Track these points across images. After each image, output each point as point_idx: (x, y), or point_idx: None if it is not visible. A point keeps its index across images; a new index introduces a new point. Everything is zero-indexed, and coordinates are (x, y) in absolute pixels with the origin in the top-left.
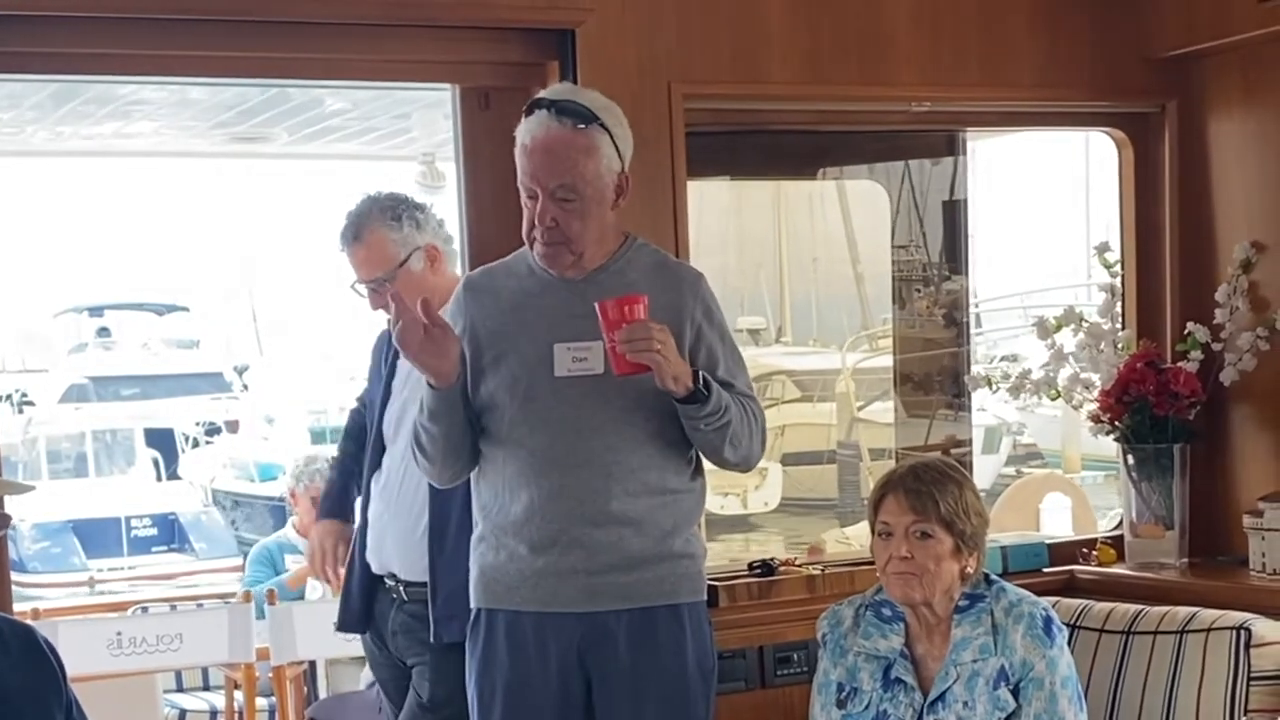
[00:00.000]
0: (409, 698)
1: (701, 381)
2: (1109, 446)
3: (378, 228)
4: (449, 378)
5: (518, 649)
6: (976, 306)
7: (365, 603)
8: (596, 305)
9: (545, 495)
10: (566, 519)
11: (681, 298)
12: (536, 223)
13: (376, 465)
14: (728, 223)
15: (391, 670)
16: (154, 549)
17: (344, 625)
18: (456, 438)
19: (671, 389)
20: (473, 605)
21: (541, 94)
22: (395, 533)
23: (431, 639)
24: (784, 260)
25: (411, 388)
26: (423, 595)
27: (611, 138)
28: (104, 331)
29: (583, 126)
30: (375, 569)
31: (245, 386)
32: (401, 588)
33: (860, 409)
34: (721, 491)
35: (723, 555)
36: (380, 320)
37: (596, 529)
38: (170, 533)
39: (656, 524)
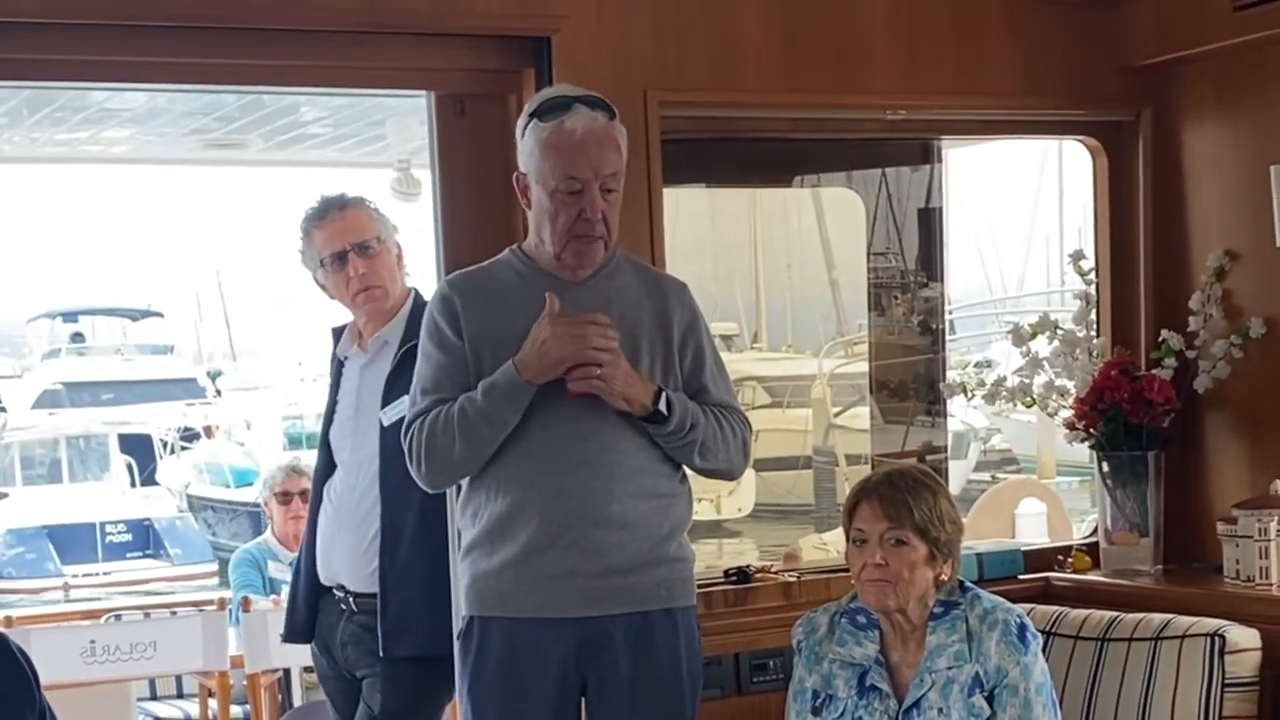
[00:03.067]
0: (360, 710)
1: (665, 400)
2: (1084, 452)
3: (363, 205)
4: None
5: (514, 656)
6: (951, 313)
7: (311, 613)
8: None
9: (544, 496)
10: (566, 520)
11: (669, 304)
12: (587, 216)
13: (326, 474)
14: (704, 230)
15: (339, 683)
16: (129, 555)
17: (290, 636)
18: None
19: (624, 409)
20: (464, 613)
21: (556, 93)
22: (344, 544)
23: (380, 653)
24: (759, 267)
25: (363, 397)
26: (372, 606)
27: None
28: (78, 337)
29: (612, 119)
30: (323, 579)
31: (218, 392)
32: (351, 599)
33: (836, 415)
34: (695, 497)
35: (697, 562)
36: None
37: (596, 530)
38: (145, 538)
39: (653, 527)
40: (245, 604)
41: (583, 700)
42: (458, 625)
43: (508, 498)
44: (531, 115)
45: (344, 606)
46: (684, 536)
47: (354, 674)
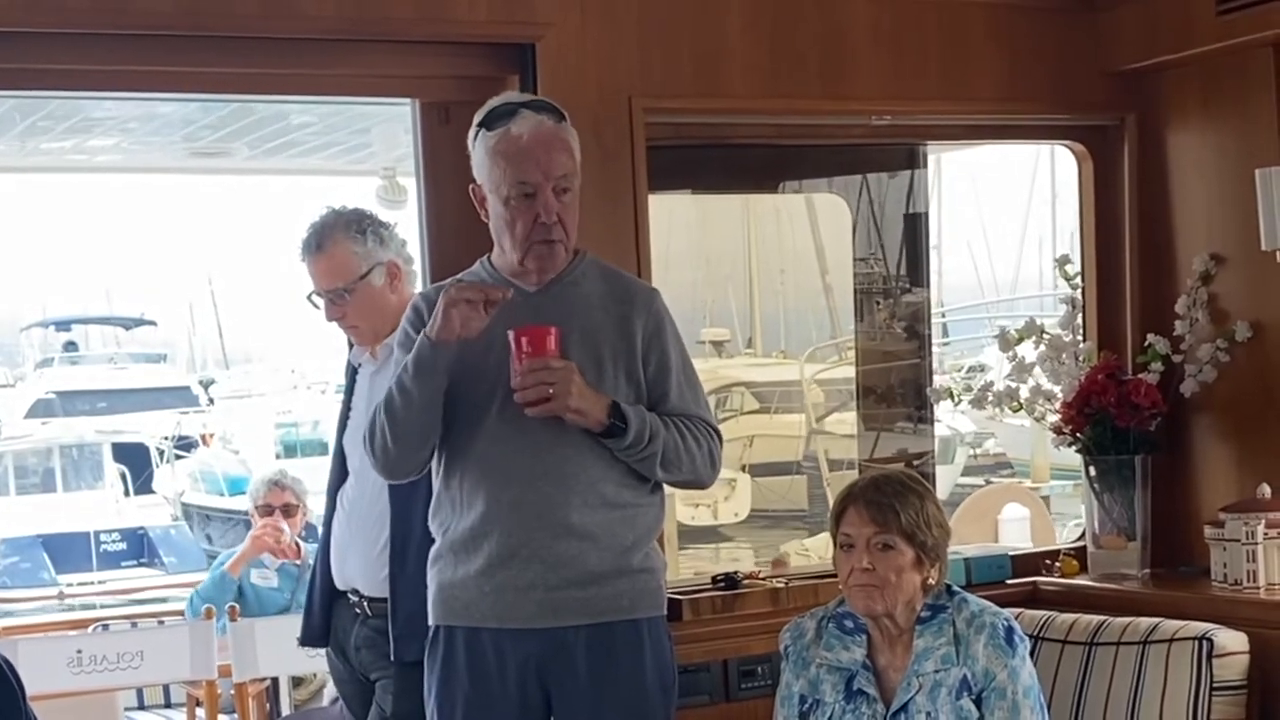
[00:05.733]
0: (372, 712)
1: (620, 415)
2: (1078, 456)
3: (341, 239)
4: (450, 343)
5: (477, 665)
6: (943, 316)
7: (326, 617)
8: (510, 334)
9: (504, 508)
10: (525, 531)
11: (633, 310)
12: (542, 219)
13: (340, 481)
14: (697, 236)
15: (355, 685)
16: (123, 563)
17: (306, 640)
18: (435, 410)
19: (579, 424)
20: (431, 622)
21: (501, 101)
22: (357, 549)
23: (392, 658)
24: (753, 273)
25: (374, 405)
26: (385, 611)
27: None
28: (71, 346)
29: (560, 121)
30: (339, 584)
31: (211, 400)
32: (365, 603)
33: (819, 420)
34: (692, 502)
35: (691, 567)
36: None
37: (555, 541)
38: (140, 547)
39: (615, 538)
40: (232, 613)
41: (549, 711)
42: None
43: (471, 511)
44: (479, 126)
45: (358, 611)
46: (652, 546)
47: (369, 676)
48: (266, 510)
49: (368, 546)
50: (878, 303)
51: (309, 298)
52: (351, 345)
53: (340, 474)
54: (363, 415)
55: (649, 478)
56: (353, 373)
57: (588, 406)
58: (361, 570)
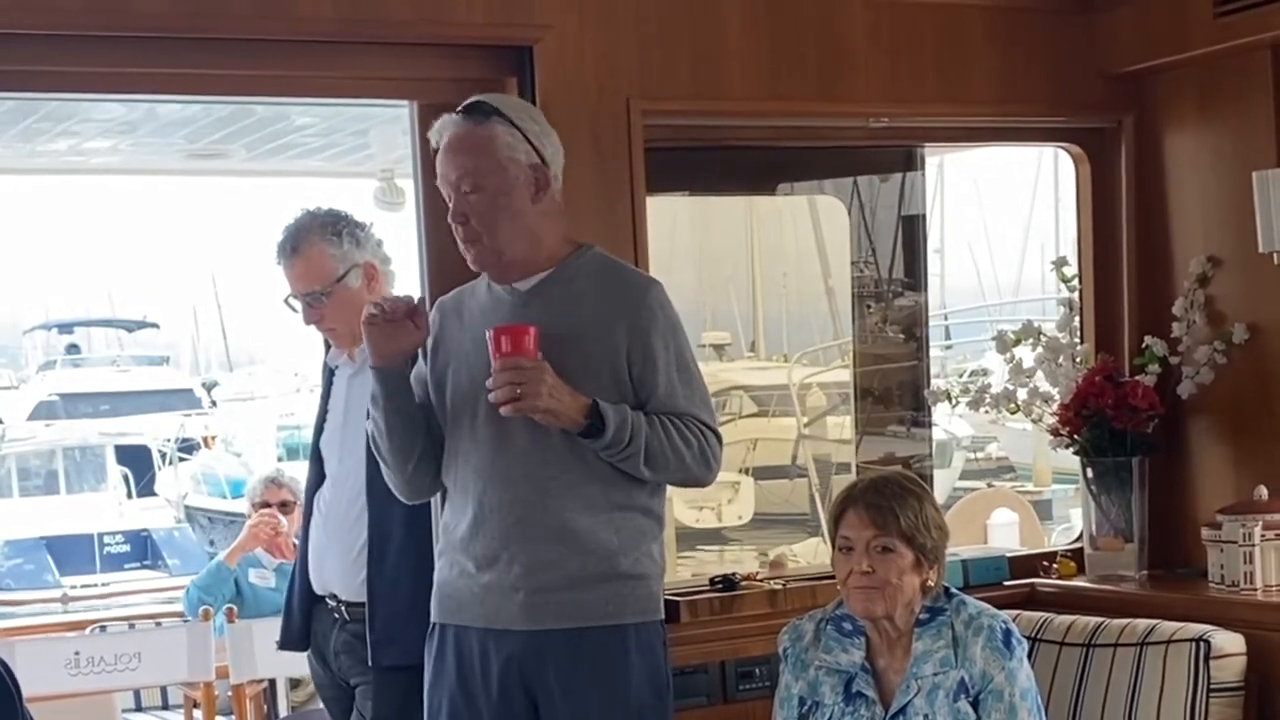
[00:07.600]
0: (353, 717)
1: (598, 415)
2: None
3: (317, 241)
4: (389, 361)
5: (463, 663)
6: (945, 319)
7: (306, 621)
8: (489, 334)
9: (487, 511)
10: (505, 535)
11: (622, 305)
12: (449, 222)
13: (318, 484)
14: (699, 239)
15: (335, 690)
16: (127, 565)
17: (286, 644)
18: (402, 430)
19: (551, 424)
20: (432, 619)
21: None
22: (335, 553)
23: (369, 662)
24: (756, 275)
25: (350, 407)
26: (364, 615)
27: (520, 131)
28: (74, 348)
29: (481, 120)
30: (316, 589)
31: (213, 403)
32: (343, 608)
33: (808, 425)
34: (696, 505)
35: (694, 569)
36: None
37: (534, 545)
38: (143, 549)
39: (600, 542)
40: (230, 615)
41: (534, 714)
42: None
43: (462, 513)
44: None
45: (336, 615)
46: (644, 551)
47: (348, 682)
48: (264, 508)
49: (344, 550)
50: (869, 306)
51: (286, 301)
52: (329, 347)
53: (318, 477)
54: (340, 418)
55: (636, 478)
56: (330, 375)
57: (560, 407)
58: (338, 574)
